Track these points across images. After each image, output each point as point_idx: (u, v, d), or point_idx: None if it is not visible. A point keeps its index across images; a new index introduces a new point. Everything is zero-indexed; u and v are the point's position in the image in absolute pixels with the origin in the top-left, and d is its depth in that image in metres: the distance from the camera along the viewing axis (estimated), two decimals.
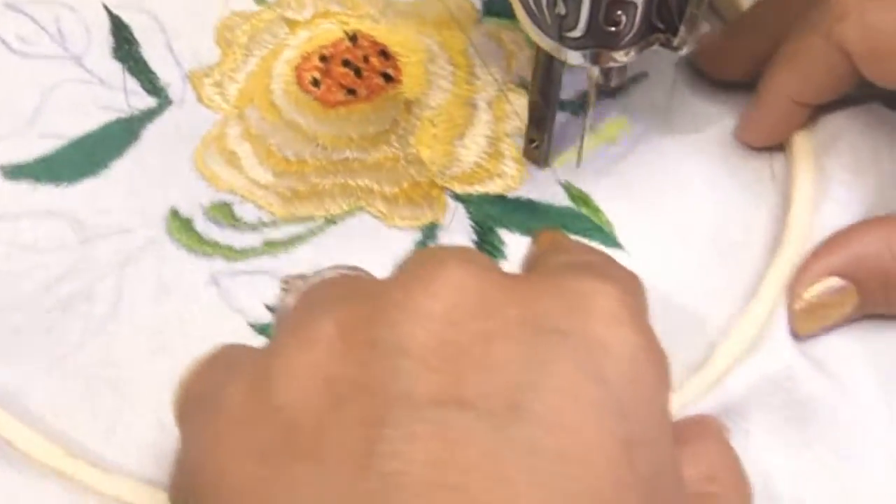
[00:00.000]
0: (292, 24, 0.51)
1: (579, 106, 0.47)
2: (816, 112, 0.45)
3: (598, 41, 0.40)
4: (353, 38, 0.50)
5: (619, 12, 0.38)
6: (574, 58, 0.40)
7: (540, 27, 0.40)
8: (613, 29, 0.39)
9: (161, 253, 0.44)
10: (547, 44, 0.41)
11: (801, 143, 0.45)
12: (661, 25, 0.40)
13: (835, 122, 0.45)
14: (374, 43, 0.50)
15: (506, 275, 0.30)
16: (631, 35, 0.40)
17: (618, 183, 0.46)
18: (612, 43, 0.40)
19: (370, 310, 0.28)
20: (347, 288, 0.32)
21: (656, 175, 0.46)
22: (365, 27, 0.51)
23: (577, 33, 0.39)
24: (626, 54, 0.40)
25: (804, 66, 0.43)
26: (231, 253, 0.44)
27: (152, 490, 0.38)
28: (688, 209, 0.45)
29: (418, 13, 0.51)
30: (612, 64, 0.41)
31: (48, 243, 0.44)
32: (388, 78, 0.49)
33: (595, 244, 0.44)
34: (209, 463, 0.28)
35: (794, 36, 0.43)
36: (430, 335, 0.27)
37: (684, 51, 0.41)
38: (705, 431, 0.35)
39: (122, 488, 0.38)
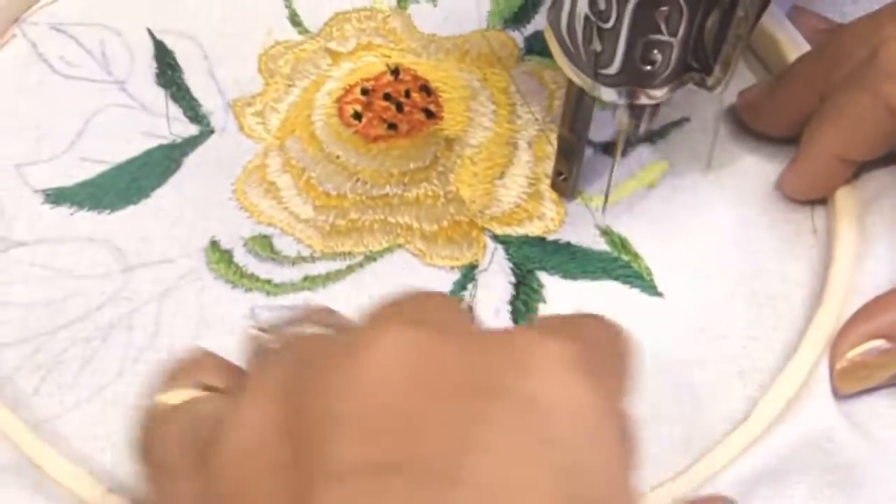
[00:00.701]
0: (335, 56, 0.51)
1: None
2: (860, 168, 0.45)
3: (633, 79, 0.40)
4: (396, 71, 0.50)
5: (656, 51, 0.39)
6: (608, 94, 0.41)
7: (574, 63, 0.41)
8: (649, 68, 0.39)
9: (200, 284, 0.44)
10: (581, 80, 0.41)
11: (844, 198, 0.45)
12: (696, 65, 0.40)
13: (879, 179, 0.45)
14: (416, 77, 0.50)
15: (455, 334, 0.29)
16: (666, 74, 0.40)
17: (657, 229, 0.46)
18: (647, 81, 0.40)
19: (311, 377, 0.28)
20: (305, 351, 0.31)
21: (696, 223, 0.46)
22: (407, 61, 0.51)
23: (612, 70, 0.39)
24: (661, 92, 0.40)
25: (850, 122, 0.42)
26: (270, 287, 0.44)
27: None
28: (727, 259, 0.45)
29: (461, 49, 0.51)
30: (645, 101, 0.41)
31: (89, 270, 0.44)
32: (429, 114, 0.49)
33: (635, 291, 0.44)
34: None
35: (840, 92, 0.43)
36: (365, 402, 0.27)
37: (718, 91, 0.41)
38: None
39: None
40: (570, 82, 0.42)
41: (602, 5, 0.37)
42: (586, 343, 0.29)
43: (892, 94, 0.41)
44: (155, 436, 0.31)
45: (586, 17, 0.38)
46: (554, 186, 0.47)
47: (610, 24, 0.38)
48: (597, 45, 0.39)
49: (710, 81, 0.41)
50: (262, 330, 0.33)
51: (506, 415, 0.26)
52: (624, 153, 0.47)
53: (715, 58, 0.40)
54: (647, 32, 0.38)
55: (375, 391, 0.27)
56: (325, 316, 0.34)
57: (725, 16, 0.38)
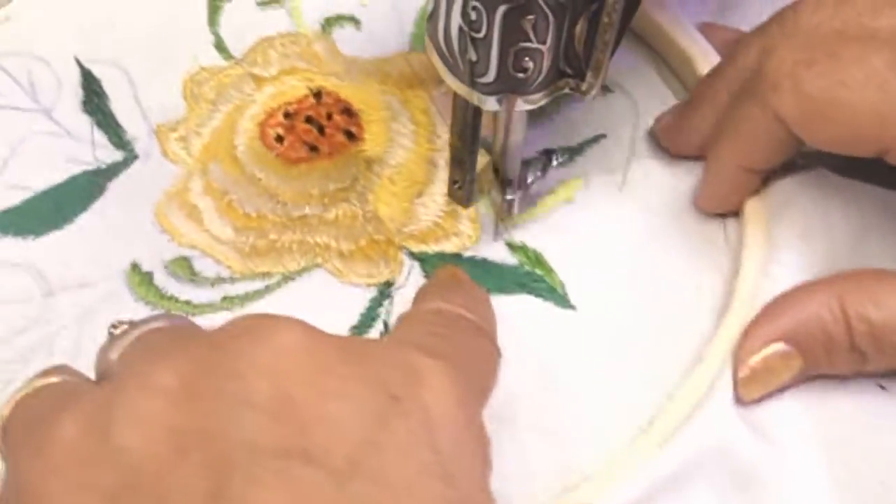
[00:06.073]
0: (258, 81, 0.52)
1: (540, 166, 0.47)
2: (769, 178, 0.45)
3: (509, 86, 0.41)
4: (318, 94, 0.51)
5: (527, 58, 0.39)
6: (488, 103, 0.41)
7: (454, 73, 0.41)
8: (522, 75, 0.40)
9: (120, 306, 0.45)
10: (461, 89, 0.42)
11: (753, 208, 0.45)
12: (569, 71, 0.41)
13: (786, 188, 0.45)
14: (338, 100, 0.51)
15: (340, 338, 0.32)
16: (539, 80, 0.40)
17: (572, 243, 0.47)
18: (522, 88, 0.41)
19: (213, 361, 0.30)
20: (183, 337, 0.33)
21: (610, 236, 0.47)
22: (330, 84, 0.52)
23: (488, 79, 0.40)
24: (537, 97, 0.41)
25: (745, 134, 0.43)
26: (189, 308, 0.45)
27: None
28: (640, 271, 0.46)
29: (383, 71, 0.52)
30: (525, 108, 0.42)
31: (11, 296, 0.45)
32: (350, 136, 0.50)
33: (548, 305, 0.45)
34: (42, 494, 0.28)
35: (735, 106, 0.44)
36: (273, 389, 0.29)
37: (591, 95, 0.41)
38: None
39: None
40: (455, 93, 0.43)
41: (473, 16, 0.38)
42: (458, 352, 0.32)
43: (779, 105, 0.41)
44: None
45: (460, 28, 0.39)
46: (450, 195, 0.47)
47: (482, 34, 0.39)
48: (472, 55, 0.40)
49: (584, 87, 0.41)
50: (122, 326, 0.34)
51: (401, 420, 0.29)
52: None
53: (586, 63, 0.41)
54: (518, 41, 0.39)
55: (285, 378, 0.29)
56: (180, 318, 0.36)
57: (593, 22, 0.39)
